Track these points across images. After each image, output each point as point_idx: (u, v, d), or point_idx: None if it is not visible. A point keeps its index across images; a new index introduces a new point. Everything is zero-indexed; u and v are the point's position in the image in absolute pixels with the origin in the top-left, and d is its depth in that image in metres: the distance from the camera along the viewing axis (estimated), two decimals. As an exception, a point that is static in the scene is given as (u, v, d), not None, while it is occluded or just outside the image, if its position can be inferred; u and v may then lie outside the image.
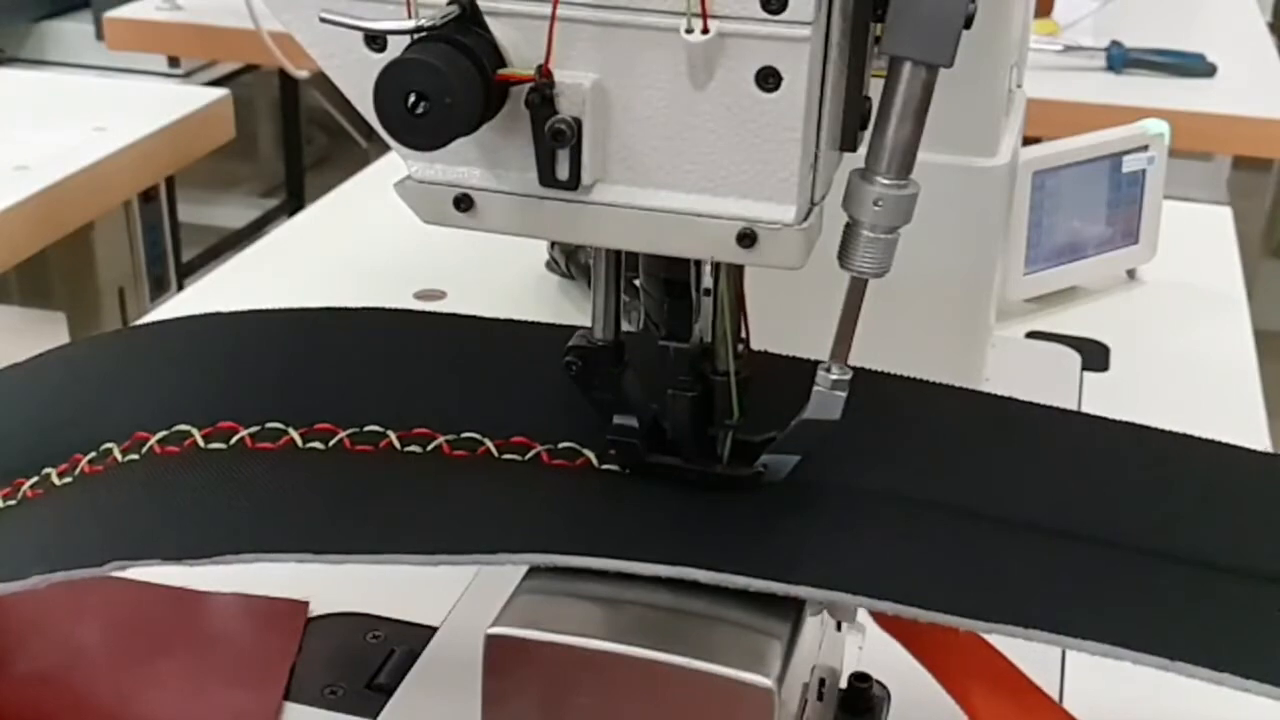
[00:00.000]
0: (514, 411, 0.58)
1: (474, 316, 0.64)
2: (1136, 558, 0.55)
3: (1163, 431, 0.62)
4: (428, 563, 0.53)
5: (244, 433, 0.57)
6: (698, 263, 0.54)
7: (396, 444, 0.57)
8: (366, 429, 0.57)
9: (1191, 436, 0.61)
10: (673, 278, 0.54)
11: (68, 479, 0.57)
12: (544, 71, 0.47)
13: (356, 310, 0.65)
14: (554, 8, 0.47)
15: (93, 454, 0.58)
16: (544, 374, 0.59)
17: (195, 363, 0.62)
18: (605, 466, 0.57)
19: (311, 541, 0.53)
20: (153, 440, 0.57)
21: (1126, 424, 0.62)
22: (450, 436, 0.57)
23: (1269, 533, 0.57)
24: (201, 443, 0.56)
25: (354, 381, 0.60)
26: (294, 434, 0.57)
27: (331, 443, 0.57)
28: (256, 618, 0.73)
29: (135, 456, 0.57)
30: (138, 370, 0.63)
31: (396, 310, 0.65)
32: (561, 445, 0.57)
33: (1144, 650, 0.50)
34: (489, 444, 0.57)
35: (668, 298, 0.54)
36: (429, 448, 0.57)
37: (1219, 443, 0.61)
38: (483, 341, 0.63)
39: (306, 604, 0.74)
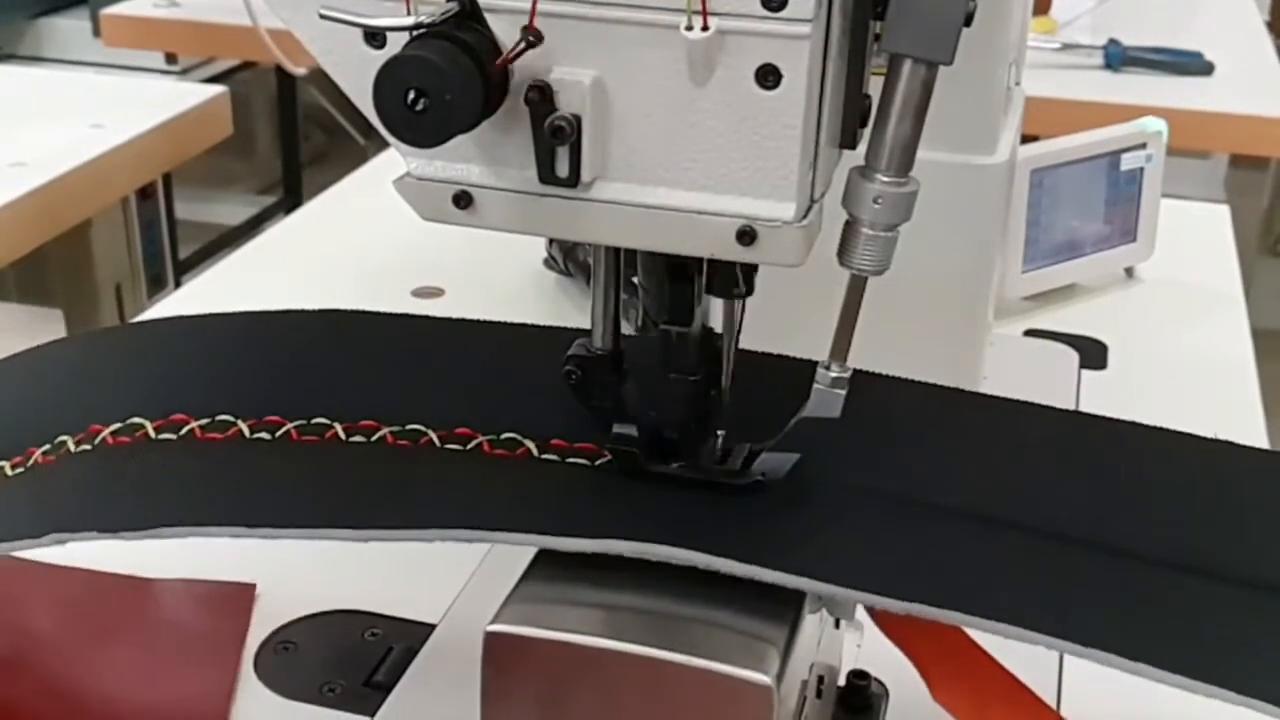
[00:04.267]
0: (458, 403, 0.60)
1: (425, 317, 0.66)
2: (1124, 559, 0.55)
3: (1158, 429, 0.62)
4: (359, 538, 0.54)
5: (194, 424, 0.58)
6: None
7: (341, 435, 0.58)
8: (314, 421, 0.58)
9: (1188, 434, 0.61)
10: (676, 262, 0.54)
11: (20, 470, 0.59)
12: (531, 29, 0.46)
13: (308, 311, 0.67)
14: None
15: (47, 446, 0.59)
16: (490, 368, 0.61)
17: (152, 362, 0.64)
18: (545, 456, 0.57)
19: (246, 515, 0.54)
20: (105, 432, 0.58)
21: (1121, 421, 0.62)
22: (395, 428, 0.58)
23: (1260, 533, 0.57)
24: (153, 434, 0.58)
25: (303, 378, 0.61)
26: (242, 425, 0.58)
27: (278, 433, 0.58)
28: (205, 601, 0.74)
29: (88, 447, 0.58)
30: (96, 371, 0.64)
31: (349, 311, 0.67)
32: (504, 436, 0.58)
33: (1125, 656, 0.50)
34: (432, 434, 0.58)
35: (669, 282, 0.54)
36: (373, 438, 0.58)
37: (1212, 440, 0.61)
38: (432, 339, 0.65)
39: (254, 586, 0.75)
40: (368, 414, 0.59)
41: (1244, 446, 0.62)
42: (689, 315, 0.55)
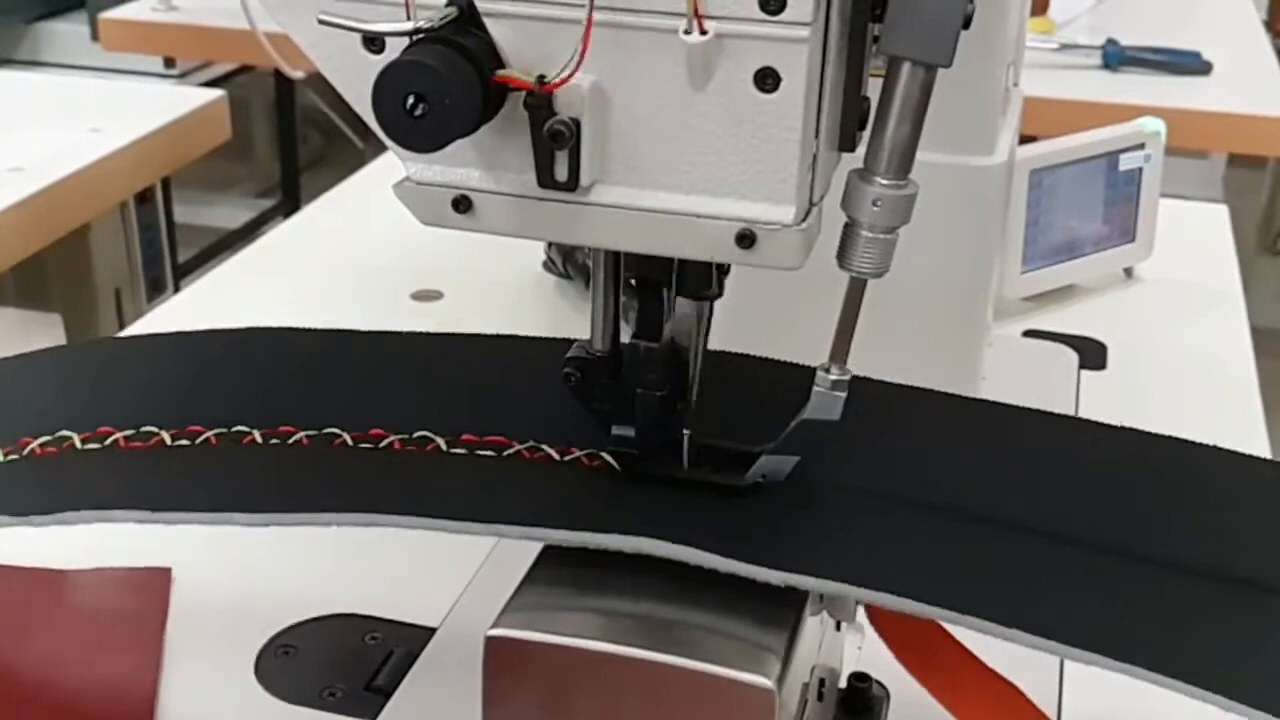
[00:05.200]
0: (371, 407, 0.61)
1: (347, 330, 0.69)
2: (1126, 563, 0.55)
3: (1154, 435, 0.62)
4: (258, 522, 0.56)
5: (118, 435, 0.60)
6: (669, 263, 0.54)
7: (258, 439, 0.60)
8: (233, 429, 0.60)
9: (1184, 440, 0.61)
10: (644, 277, 0.54)
11: None
12: (545, 87, 0.47)
13: (235, 330, 0.69)
14: (587, 34, 0.47)
15: None
16: (408, 376, 0.64)
17: (85, 381, 0.67)
18: (454, 450, 0.59)
19: (149, 500, 0.56)
20: (34, 444, 0.60)
21: (1118, 427, 0.62)
22: (311, 431, 0.60)
23: (1256, 538, 0.57)
24: (79, 445, 0.60)
25: (226, 391, 0.64)
26: (164, 435, 0.60)
27: (199, 440, 0.60)
28: (122, 588, 0.76)
29: (16, 457, 0.60)
30: (31, 390, 0.67)
31: (272, 328, 0.69)
32: (415, 434, 0.59)
33: (1126, 660, 0.49)
34: (345, 436, 0.60)
35: (638, 297, 0.54)
36: (289, 441, 0.60)
37: (1208, 446, 0.61)
38: (353, 351, 0.67)
39: (169, 570, 0.76)
40: (286, 420, 0.60)
41: (1239, 453, 0.62)
42: (657, 330, 0.55)
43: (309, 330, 0.69)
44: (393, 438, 0.59)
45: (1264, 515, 0.59)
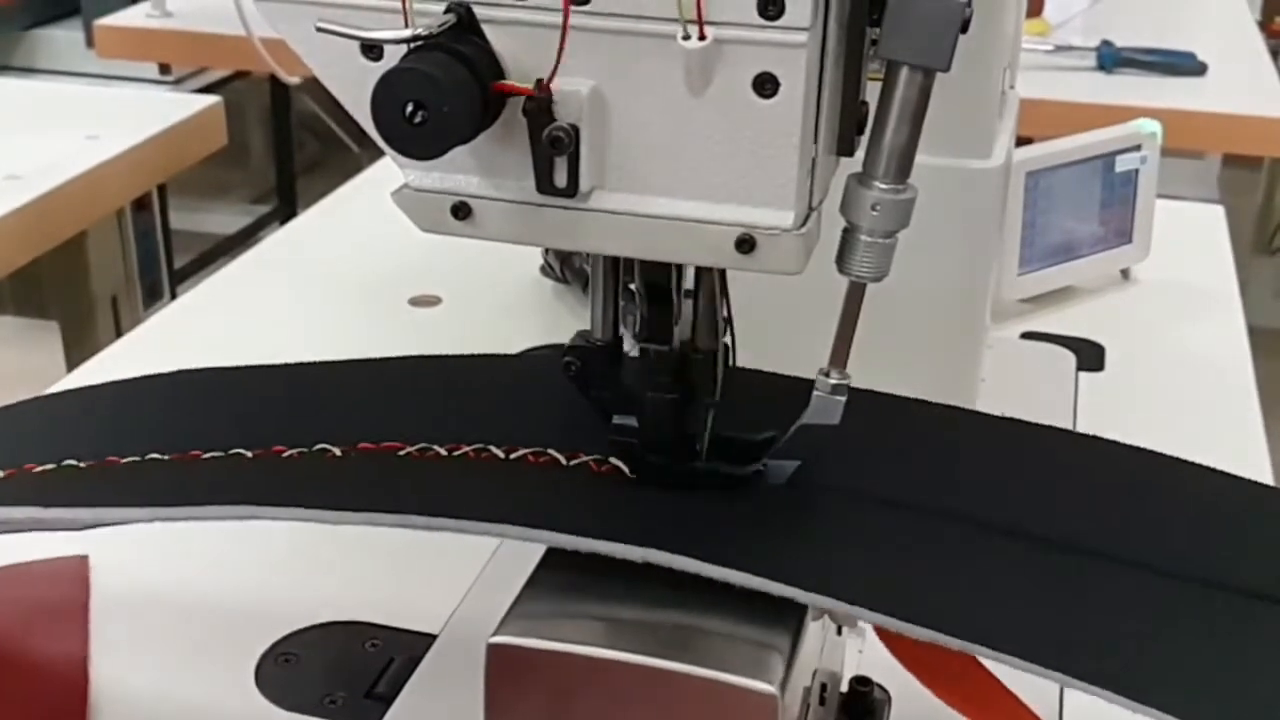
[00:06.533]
0: (307, 428, 0.62)
1: (289, 365, 0.70)
2: (1118, 573, 0.55)
3: (1152, 453, 0.62)
4: (182, 517, 0.56)
5: (38, 469, 0.62)
6: (679, 266, 0.54)
7: (204, 457, 0.62)
8: (147, 458, 0.61)
9: (1180, 460, 0.61)
10: (652, 280, 0.54)
11: None
12: (543, 86, 0.47)
13: (193, 371, 0.71)
14: (564, 30, 0.47)
15: None
16: (337, 406, 0.65)
17: (50, 427, 0.70)
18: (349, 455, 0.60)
19: (82, 498, 0.58)
20: None
21: (1115, 443, 0.62)
22: (258, 449, 0.61)
23: (1257, 558, 0.57)
24: (38, 468, 0.62)
25: (144, 430, 0.65)
26: (80, 464, 0.61)
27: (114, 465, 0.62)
28: (42, 578, 0.76)
29: None
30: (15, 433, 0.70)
31: (210, 368, 0.71)
32: (360, 446, 0.60)
33: (1133, 698, 0.48)
34: (291, 452, 0.61)
35: (647, 301, 0.54)
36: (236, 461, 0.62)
37: (1206, 468, 0.61)
38: (296, 384, 0.69)
39: (87, 557, 0.78)
40: (229, 445, 0.61)
41: (1238, 478, 0.61)
42: (668, 334, 0.55)
43: (244, 368, 0.70)
44: (335, 449, 0.60)
45: (1266, 538, 0.58)
